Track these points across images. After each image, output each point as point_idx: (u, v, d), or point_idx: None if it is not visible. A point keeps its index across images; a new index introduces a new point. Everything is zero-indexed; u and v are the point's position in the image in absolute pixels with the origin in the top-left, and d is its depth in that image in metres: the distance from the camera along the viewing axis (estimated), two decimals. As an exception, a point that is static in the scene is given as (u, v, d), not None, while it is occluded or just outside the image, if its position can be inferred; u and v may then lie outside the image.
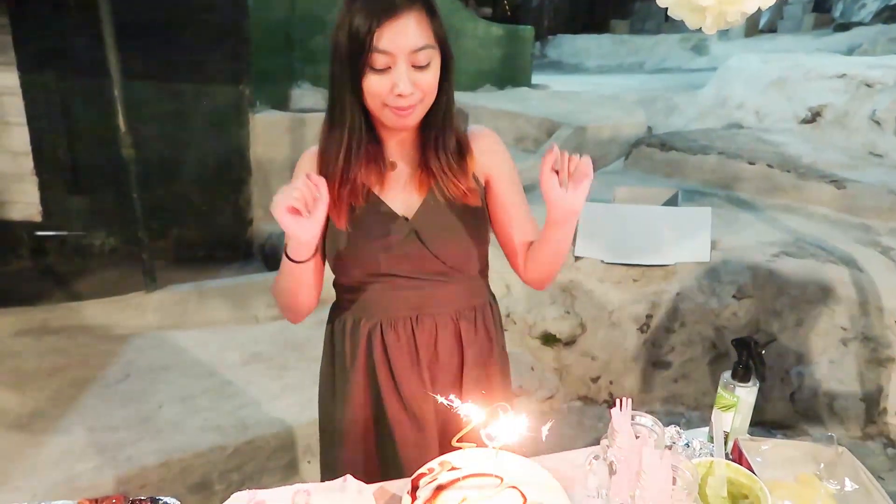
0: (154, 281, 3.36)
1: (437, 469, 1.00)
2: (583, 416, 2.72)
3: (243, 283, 3.63)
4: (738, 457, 1.07)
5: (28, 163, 4.22)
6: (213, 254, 4.73)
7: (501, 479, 0.97)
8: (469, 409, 0.96)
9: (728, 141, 4.38)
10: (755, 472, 1.00)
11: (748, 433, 1.14)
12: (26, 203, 4.35)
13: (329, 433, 1.29)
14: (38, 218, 4.35)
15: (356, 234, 1.13)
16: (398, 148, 1.16)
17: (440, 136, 1.14)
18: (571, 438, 2.53)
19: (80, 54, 3.84)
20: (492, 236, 1.26)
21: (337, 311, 1.26)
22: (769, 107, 5.01)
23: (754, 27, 10.00)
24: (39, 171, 4.25)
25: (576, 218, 1.10)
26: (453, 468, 1.00)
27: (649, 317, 2.81)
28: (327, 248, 1.17)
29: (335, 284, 1.25)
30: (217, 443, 2.20)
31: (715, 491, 0.99)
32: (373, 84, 1.03)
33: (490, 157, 1.20)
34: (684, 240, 2.88)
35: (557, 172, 1.04)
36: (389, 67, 1.01)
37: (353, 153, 1.11)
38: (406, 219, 1.14)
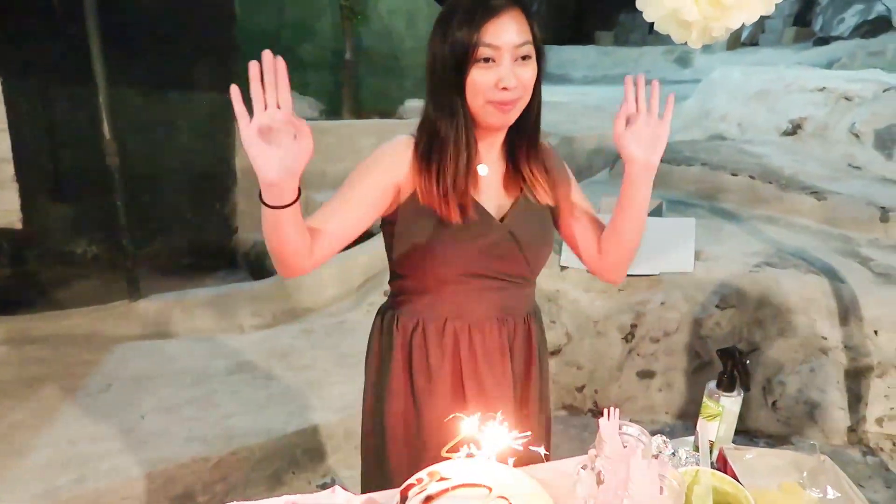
0: (138, 290, 3.33)
1: (426, 479, 1.00)
2: (568, 426, 2.73)
3: (228, 292, 3.61)
4: (723, 465, 1.08)
5: (9, 169, 4.17)
6: (198, 262, 4.70)
7: (490, 489, 0.98)
8: (462, 421, 0.97)
9: (711, 152, 4.44)
10: (740, 480, 1.01)
11: (733, 442, 1.16)
12: (6, 210, 4.29)
13: (379, 440, 1.26)
14: (18, 225, 4.29)
15: (452, 236, 1.11)
16: (487, 151, 1.18)
17: (532, 139, 1.18)
18: (557, 448, 2.53)
19: (65, 61, 3.81)
20: None
21: (405, 315, 1.21)
22: (751, 119, 5.09)
23: (736, 40, 10.17)
24: (20, 178, 4.20)
25: (652, 175, 1.12)
26: (442, 478, 1.00)
27: (634, 326, 2.84)
28: (401, 244, 1.15)
29: (402, 287, 1.22)
30: (201, 453, 2.18)
31: (700, 499, 1.00)
32: (478, 79, 1.05)
33: (552, 167, 1.24)
34: (669, 250, 2.91)
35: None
36: (494, 61, 1.04)
37: (458, 154, 1.10)
38: (501, 221, 1.16)
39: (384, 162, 1.14)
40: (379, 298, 3.34)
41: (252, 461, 2.24)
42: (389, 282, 1.26)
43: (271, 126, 0.89)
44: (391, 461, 1.26)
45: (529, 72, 1.08)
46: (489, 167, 1.18)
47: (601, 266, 1.26)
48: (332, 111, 6.06)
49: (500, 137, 1.18)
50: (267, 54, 0.87)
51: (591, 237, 1.25)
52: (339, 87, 6.03)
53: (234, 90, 0.88)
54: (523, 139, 1.17)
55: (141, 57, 4.08)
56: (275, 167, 0.90)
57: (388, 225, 1.19)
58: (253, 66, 0.87)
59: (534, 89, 1.12)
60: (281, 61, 0.88)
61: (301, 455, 2.33)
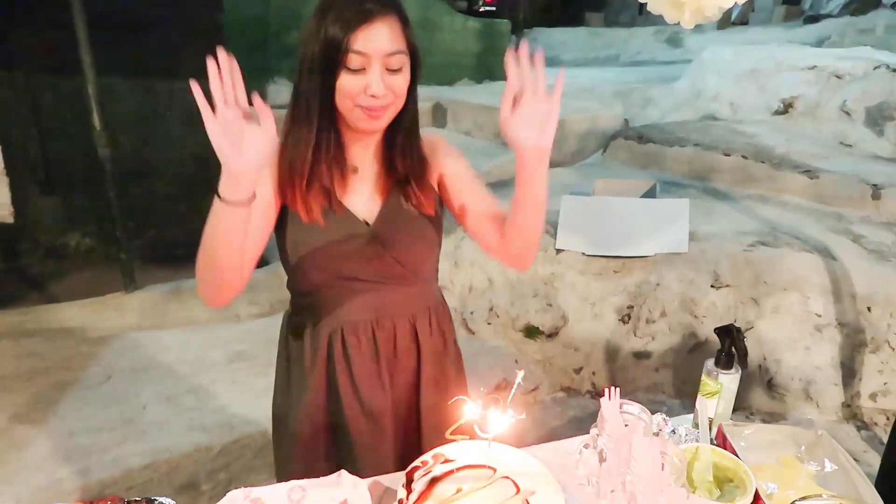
0: (133, 281, 3.32)
1: (430, 462, 1.01)
2: (566, 407, 2.75)
3: (224, 282, 3.60)
4: (722, 442, 1.10)
5: (-2, 162, 4.13)
6: (191, 252, 4.67)
7: (494, 470, 0.99)
8: (462, 404, 0.98)
9: (703, 133, 4.45)
10: (739, 455, 1.03)
11: (731, 419, 1.18)
12: (-3, 204, 4.26)
13: (283, 435, 1.30)
14: (10, 220, 4.26)
15: (318, 238, 1.12)
16: (362, 152, 1.16)
17: (407, 141, 1.15)
18: (556, 429, 2.57)
19: (52, 52, 3.76)
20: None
21: (294, 316, 1.25)
22: (743, 98, 5.09)
23: (726, 19, 10.13)
24: (10, 172, 4.17)
25: (545, 158, 1.01)
26: (447, 460, 1.01)
27: (630, 307, 2.86)
28: (288, 250, 1.15)
29: (291, 290, 1.24)
30: (203, 442, 2.19)
31: (701, 475, 1.02)
32: (347, 84, 1.03)
33: (441, 158, 1.21)
34: (663, 231, 2.92)
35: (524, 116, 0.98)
36: (364, 69, 1.02)
37: (322, 153, 1.10)
38: (367, 223, 1.14)
39: (266, 167, 1.09)
40: (375, 285, 3.35)
41: (254, 449, 2.25)
42: (286, 286, 1.26)
43: (233, 119, 0.90)
44: (278, 454, 1.36)
45: (401, 79, 1.06)
46: (361, 167, 1.16)
47: (506, 254, 1.19)
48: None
49: (376, 139, 1.16)
50: (221, 52, 0.88)
51: (491, 228, 1.17)
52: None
53: (194, 85, 0.89)
54: (397, 141, 1.15)
55: (128, 46, 4.04)
56: (241, 156, 0.90)
57: (276, 230, 1.17)
58: (210, 63, 0.88)
59: (409, 93, 1.10)
60: (233, 59, 0.89)
61: (302, 442, 2.34)
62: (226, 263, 1.02)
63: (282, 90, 5.87)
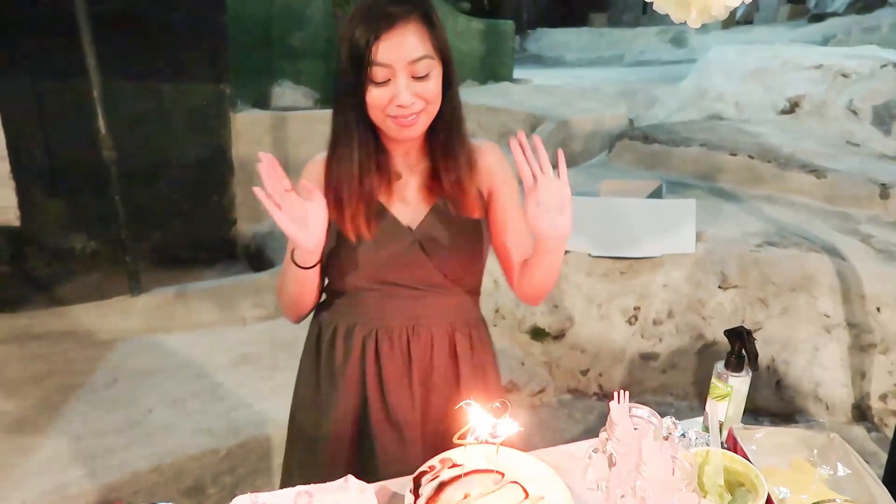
0: (139, 284, 3.32)
1: (438, 466, 1.00)
2: (573, 409, 2.74)
3: (229, 285, 3.60)
4: (733, 445, 1.08)
5: (5, 167, 4.14)
6: (197, 255, 4.69)
7: (503, 475, 0.98)
8: (470, 408, 0.97)
9: (709, 132, 4.43)
10: (750, 459, 1.01)
11: (740, 421, 1.16)
12: (4, 207, 4.27)
13: (304, 435, 1.27)
14: (16, 223, 4.27)
15: (360, 242, 1.12)
16: (404, 158, 1.16)
17: (448, 145, 1.13)
18: (563, 432, 2.55)
19: (57, 55, 3.77)
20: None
21: (327, 314, 1.23)
22: (748, 98, 5.07)
23: (731, 19, 10.11)
24: (17, 175, 4.18)
25: (565, 242, 1.09)
26: (455, 465, 1.00)
27: (637, 309, 2.84)
28: (330, 252, 1.16)
29: (328, 289, 1.23)
30: (209, 446, 2.19)
31: (712, 479, 1.00)
32: (374, 97, 1.03)
33: (494, 172, 1.19)
34: (670, 232, 2.90)
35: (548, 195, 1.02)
36: (389, 80, 1.01)
37: (365, 166, 1.10)
38: (410, 229, 1.14)
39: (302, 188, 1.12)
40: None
41: (260, 452, 2.25)
42: (324, 288, 1.26)
43: (293, 206, 1.02)
44: (293, 457, 1.31)
45: (430, 84, 1.04)
46: (404, 174, 1.16)
47: (518, 291, 1.22)
48: (326, 100, 6.03)
49: (417, 144, 1.15)
50: (262, 156, 0.99)
51: (513, 263, 1.20)
52: (333, 75, 5.99)
53: (260, 192, 0.99)
54: (438, 145, 1.13)
55: (131, 48, 4.04)
56: (309, 233, 1.03)
57: None
58: (261, 167, 0.99)
59: (446, 95, 1.08)
60: (273, 159, 0.99)
61: (308, 445, 2.34)
62: (305, 299, 1.19)
63: (285, 92, 5.88)
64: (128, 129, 4.04)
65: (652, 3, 1.58)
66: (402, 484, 1.04)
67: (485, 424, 0.97)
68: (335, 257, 1.15)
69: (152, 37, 4.15)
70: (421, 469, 0.99)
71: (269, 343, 2.95)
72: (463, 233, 1.16)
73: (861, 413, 2.55)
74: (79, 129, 3.97)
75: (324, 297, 1.25)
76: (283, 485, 1.32)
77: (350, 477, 1.00)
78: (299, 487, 0.98)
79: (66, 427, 2.29)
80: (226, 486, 2.18)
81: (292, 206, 1.01)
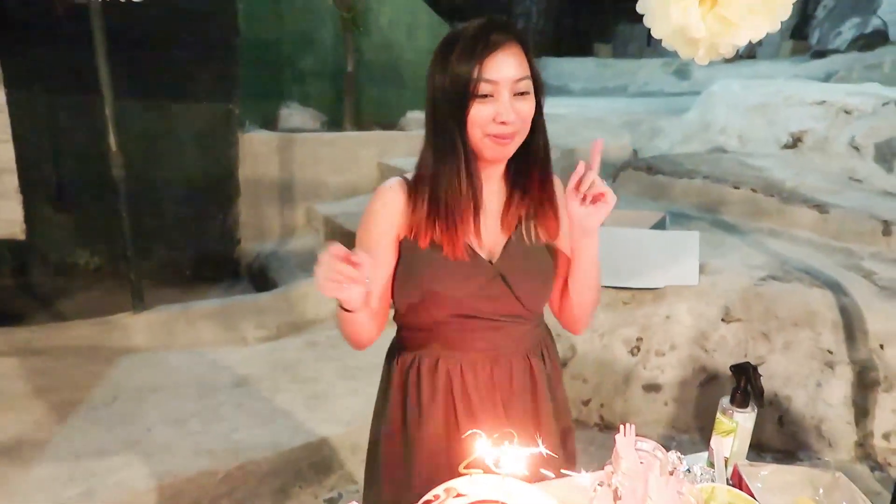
0: (142, 301, 3.33)
1: (442, 496, 1.00)
2: (575, 440, 2.72)
3: (232, 305, 3.61)
4: (738, 482, 1.08)
5: (13, 180, 4.18)
6: (201, 273, 4.70)
7: (508, 506, 0.98)
8: (476, 439, 0.97)
9: (713, 165, 4.46)
10: (756, 497, 1.01)
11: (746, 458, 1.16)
12: (9, 220, 4.29)
13: (390, 475, 1.27)
14: (21, 236, 4.29)
15: (440, 276, 1.13)
16: (490, 184, 1.18)
17: (541, 174, 1.18)
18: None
19: (69, 72, 3.83)
20: None
21: (405, 350, 1.24)
22: (751, 132, 5.12)
23: (734, 53, 10.22)
24: (24, 189, 4.21)
25: (590, 238, 1.13)
26: (459, 494, 1.00)
27: (640, 339, 2.84)
28: (407, 286, 1.17)
29: (402, 322, 1.24)
30: (208, 467, 2.18)
31: (717, 517, 1.00)
32: (477, 113, 1.07)
33: (560, 202, 1.23)
34: (673, 263, 2.91)
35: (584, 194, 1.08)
36: (493, 95, 1.06)
37: (470, 179, 1.12)
38: (491, 262, 1.16)
39: (381, 213, 1.16)
40: (383, 310, 3.35)
41: (259, 475, 2.24)
42: (394, 318, 1.27)
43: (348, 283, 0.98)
44: (383, 489, 1.29)
45: (528, 105, 1.09)
46: (486, 202, 1.18)
47: (561, 316, 1.30)
48: (334, 122, 6.09)
49: (500, 170, 1.18)
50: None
51: (560, 290, 1.26)
52: (341, 98, 6.05)
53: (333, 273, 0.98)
54: (532, 173, 1.17)
55: (144, 68, 4.10)
56: (352, 296, 1.01)
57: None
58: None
59: (536, 124, 1.13)
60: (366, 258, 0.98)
61: (307, 469, 2.33)
62: (359, 337, 1.18)
63: (293, 114, 5.94)
64: (136, 147, 4.07)
65: (660, 39, 1.61)
66: (407, 513, 1.03)
67: (491, 454, 0.97)
68: (410, 290, 1.16)
69: (165, 57, 4.21)
70: (425, 498, 0.99)
71: (270, 364, 2.95)
72: (538, 261, 1.20)
73: (864, 451, 2.53)
74: (88, 145, 4.01)
75: (397, 330, 1.27)
76: None
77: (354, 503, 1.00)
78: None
79: (66, 444, 2.28)
80: (223, 509, 2.16)
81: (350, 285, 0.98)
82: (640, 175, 4.49)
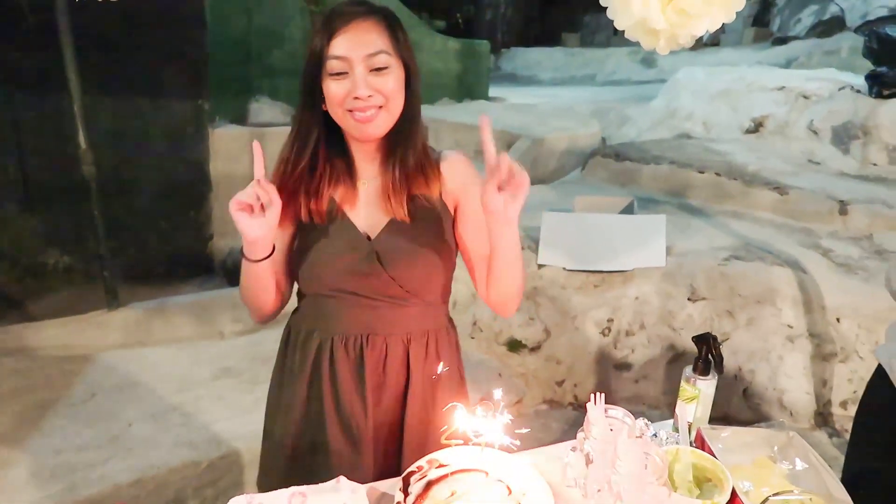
0: (116, 299, 3.31)
1: (425, 467, 1.05)
2: (550, 419, 2.80)
3: (207, 299, 3.60)
4: (701, 444, 1.15)
5: (-24, 180, 4.10)
6: (173, 270, 4.67)
7: (487, 473, 1.04)
8: (454, 411, 1.02)
9: (678, 151, 4.58)
10: (717, 457, 1.09)
11: (709, 423, 1.24)
12: (-26, 222, 4.22)
13: (270, 437, 1.32)
14: (-14, 237, 4.22)
15: (319, 248, 1.15)
16: (368, 164, 1.17)
17: (404, 151, 1.14)
18: (539, 441, 2.60)
19: (35, 69, 3.76)
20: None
21: (294, 319, 1.26)
22: (716, 118, 5.25)
23: (699, 41, 10.40)
24: (-11, 189, 4.13)
25: (510, 227, 1.07)
26: (441, 465, 1.05)
27: (610, 321, 2.93)
28: (294, 258, 1.20)
29: (297, 293, 1.26)
30: (190, 458, 2.20)
31: (681, 476, 1.07)
32: (332, 90, 1.07)
33: (461, 181, 1.19)
34: (641, 246, 3.01)
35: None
36: (346, 73, 1.05)
37: (327, 164, 1.14)
38: (368, 238, 1.15)
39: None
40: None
41: (241, 465, 2.26)
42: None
43: (249, 202, 1.06)
44: (263, 457, 1.35)
45: (389, 80, 1.07)
46: (368, 181, 1.17)
47: (488, 300, 1.23)
48: (305, 116, 6.08)
49: (381, 152, 1.16)
50: (254, 145, 1.08)
51: (483, 273, 1.21)
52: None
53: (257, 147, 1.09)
54: (396, 153, 1.14)
55: (111, 64, 4.05)
56: (255, 228, 1.06)
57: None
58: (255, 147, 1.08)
59: (408, 99, 1.11)
60: (258, 146, 1.08)
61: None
62: (262, 297, 1.20)
63: (264, 108, 5.91)
64: (106, 144, 4.03)
65: (623, 30, 1.68)
66: (392, 485, 1.09)
67: (469, 426, 1.03)
68: (301, 261, 1.18)
69: (132, 54, 4.16)
70: (409, 469, 1.04)
71: (248, 357, 2.96)
72: (422, 245, 1.15)
73: (823, 419, 2.66)
74: (55, 144, 3.95)
75: (295, 302, 1.28)
76: (260, 485, 1.36)
77: (342, 478, 1.05)
78: (293, 488, 1.02)
79: (45, 441, 2.27)
80: (207, 499, 2.18)
81: (248, 199, 1.05)
82: (609, 162, 4.58)
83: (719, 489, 1.01)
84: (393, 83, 1.07)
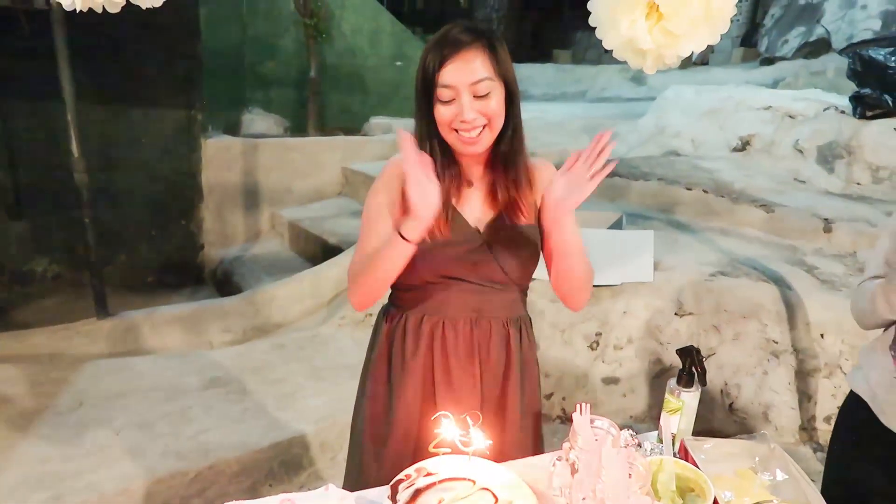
0: (105, 308, 3.31)
1: (414, 475, 1.07)
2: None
3: (197, 309, 3.60)
4: (684, 455, 1.18)
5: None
6: (164, 280, 4.67)
7: (474, 482, 1.05)
8: (443, 422, 1.04)
9: (667, 168, 4.64)
10: (700, 467, 1.11)
11: (692, 434, 1.26)
12: (-38, 229, 4.20)
13: (374, 430, 1.38)
14: (-25, 244, 4.20)
15: (436, 240, 1.24)
16: (475, 168, 1.30)
17: (508, 159, 1.28)
18: (528, 454, 2.62)
19: (28, 77, 3.77)
20: None
21: (396, 309, 1.36)
22: (704, 135, 5.32)
23: (688, 60, 10.57)
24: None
25: (566, 217, 1.22)
26: (429, 473, 1.07)
27: (598, 335, 2.95)
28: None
29: (395, 283, 1.32)
30: (178, 468, 2.20)
31: (665, 486, 1.09)
32: (441, 113, 1.19)
33: (547, 181, 1.31)
34: (629, 261, 3.04)
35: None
36: (454, 99, 1.17)
37: (440, 170, 1.22)
38: (479, 230, 1.28)
39: (385, 183, 1.28)
40: (350, 312, 3.39)
41: (229, 474, 2.26)
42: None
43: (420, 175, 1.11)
44: (365, 439, 1.40)
45: (491, 103, 1.19)
46: (475, 182, 1.31)
47: (558, 292, 1.38)
48: (298, 128, 6.10)
49: (483, 157, 1.29)
50: (402, 132, 1.12)
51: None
52: (304, 104, 6.08)
53: (408, 141, 1.11)
54: (499, 161, 1.28)
55: (105, 73, 4.07)
56: (431, 203, 1.11)
57: None
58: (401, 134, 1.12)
59: (509, 113, 1.23)
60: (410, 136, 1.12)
61: (278, 467, 2.36)
62: (385, 282, 1.26)
63: (256, 119, 5.94)
64: (98, 153, 4.04)
65: (611, 50, 1.72)
66: (381, 493, 1.10)
67: (456, 435, 1.04)
68: (418, 251, 1.24)
69: (127, 63, 4.19)
70: (398, 477, 1.06)
71: (238, 367, 2.96)
72: (522, 237, 1.30)
73: (808, 434, 2.69)
74: (47, 152, 3.96)
75: (388, 293, 1.37)
76: (348, 482, 1.41)
77: (331, 486, 1.07)
78: (282, 495, 1.04)
79: (32, 450, 2.26)
80: (194, 509, 2.18)
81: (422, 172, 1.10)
82: (599, 178, 4.62)
83: (702, 499, 1.04)
84: (495, 105, 1.19)
